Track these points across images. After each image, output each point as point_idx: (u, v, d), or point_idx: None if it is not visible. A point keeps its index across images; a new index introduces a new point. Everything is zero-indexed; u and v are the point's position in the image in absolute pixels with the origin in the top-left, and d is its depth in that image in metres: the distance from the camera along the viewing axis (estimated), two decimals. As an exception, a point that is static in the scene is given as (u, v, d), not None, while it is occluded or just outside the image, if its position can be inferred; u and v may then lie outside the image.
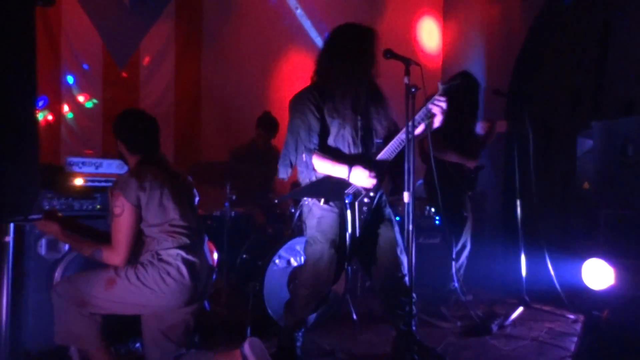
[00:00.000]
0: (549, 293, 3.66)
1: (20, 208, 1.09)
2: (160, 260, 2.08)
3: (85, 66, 4.06)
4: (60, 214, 2.21)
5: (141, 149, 2.21)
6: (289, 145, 2.43)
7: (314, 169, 2.40)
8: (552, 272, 3.59)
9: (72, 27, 3.98)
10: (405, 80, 2.31)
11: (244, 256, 3.33)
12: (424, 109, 2.38)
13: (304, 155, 2.38)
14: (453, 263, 3.46)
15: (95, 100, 3.98)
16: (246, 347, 2.12)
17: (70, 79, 3.99)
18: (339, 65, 2.42)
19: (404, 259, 2.57)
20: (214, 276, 2.37)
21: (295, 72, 4.98)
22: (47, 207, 2.65)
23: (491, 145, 5.25)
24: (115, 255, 2.04)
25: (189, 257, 2.12)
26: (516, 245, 3.64)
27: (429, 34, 6.14)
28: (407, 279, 2.57)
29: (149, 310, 2.13)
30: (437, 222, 3.99)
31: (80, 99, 4.01)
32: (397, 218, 4.63)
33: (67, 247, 2.53)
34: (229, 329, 2.99)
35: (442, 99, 2.37)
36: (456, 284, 3.45)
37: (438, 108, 2.36)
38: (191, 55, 4.52)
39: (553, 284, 3.59)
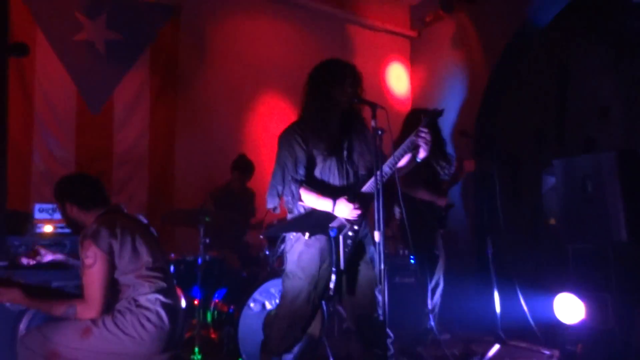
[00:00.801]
0: (523, 329, 3.69)
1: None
2: (139, 306, 2.05)
3: (58, 112, 4.06)
4: (18, 282, 2.14)
5: (96, 203, 2.21)
6: (277, 176, 2.46)
7: (300, 200, 2.43)
8: (525, 308, 3.64)
9: (45, 74, 4.01)
10: (373, 123, 2.39)
11: (218, 301, 3.28)
12: (407, 141, 2.46)
13: (292, 186, 2.41)
14: (429, 302, 3.48)
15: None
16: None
17: (42, 126, 3.98)
18: (315, 98, 2.52)
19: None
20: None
21: (269, 114, 5.09)
22: (17, 251, 2.60)
23: (462, 184, 5.45)
24: (90, 308, 1.99)
25: (168, 300, 2.10)
26: (489, 282, 3.70)
27: (398, 79, 6.40)
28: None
29: (126, 359, 2.05)
30: (412, 261, 4.03)
31: (53, 146, 3.98)
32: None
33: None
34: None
35: (426, 130, 2.46)
36: (432, 323, 3.46)
37: (422, 139, 2.45)
38: (166, 101, 4.58)
39: (527, 319, 3.64)
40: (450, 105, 5.81)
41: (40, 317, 2.44)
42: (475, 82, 5.57)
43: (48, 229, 2.63)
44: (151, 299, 2.06)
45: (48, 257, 2.36)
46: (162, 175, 4.50)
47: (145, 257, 2.12)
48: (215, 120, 4.81)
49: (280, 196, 2.46)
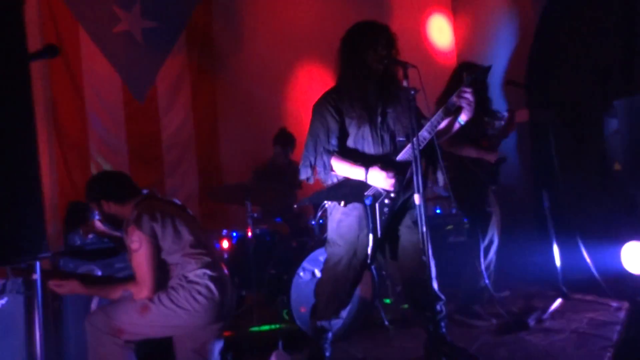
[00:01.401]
0: (588, 282, 3.53)
1: (27, 249, 1.18)
2: (189, 281, 2.17)
3: (107, 103, 4.28)
4: (75, 273, 2.32)
5: (130, 194, 2.31)
6: (309, 147, 2.47)
7: (332, 171, 2.43)
8: (588, 260, 3.48)
9: (91, 69, 4.21)
10: (404, 83, 2.32)
11: (272, 271, 3.39)
12: (449, 103, 2.37)
13: (323, 156, 2.41)
14: (482, 259, 3.39)
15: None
16: (273, 360, 2.18)
17: (94, 119, 4.21)
18: (348, 63, 2.47)
19: (431, 261, 2.53)
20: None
21: (308, 85, 5.06)
22: (78, 242, 2.82)
23: (517, 136, 5.18)
24: (143, 289, 2.13)
25: (214, 273, 2.21)
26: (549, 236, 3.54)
27: (440, 31, 6.10)
28: (434, 281, 2.56)
29: (183, 331, 2.21)
30: (464, 220, 3.94)
31: (105, 137, 4.22)
32: (438, 210, 4.63)
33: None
34: (261, 345, 3.04)
35: (468, 90, 2.35)
36: (487, 281, 3.38)
37: (465, 100, 2.35)
38: (205, 82, 4.69)
39: (591, 272, 3.47)
40: (499, 53, 5.48)
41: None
42: (525, 26, 5.20)
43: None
44: (199, 273, 2.17)
45: (98, 224, 2.52)
46: (209, 155, 4.65)
47: (187, 236, 2.22)
48: (255, 95, 4.85)
49: (312, 167, 2.46)
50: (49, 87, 4.10)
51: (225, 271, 2.39)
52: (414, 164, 2.23)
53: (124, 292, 2.15)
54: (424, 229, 2.26)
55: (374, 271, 3.26)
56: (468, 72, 2.42)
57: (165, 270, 2.22)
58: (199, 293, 2.15)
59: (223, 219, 4.29)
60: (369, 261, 2.45)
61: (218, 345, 2.28)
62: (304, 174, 2.49)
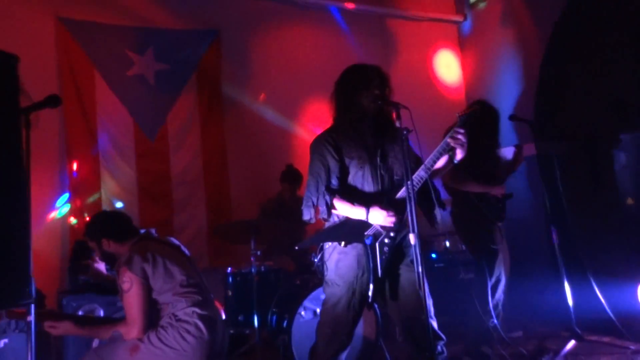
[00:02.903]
0: (603, 323, 3.40)
1: (12, 295, 1.22)
2: (178, 320, 2.18)
3: (118, 143, 4.43)
4: (68, 314, 2.36)
5: (129, 234, 2.37)
6: (311, 187, 2.48)
7: (334, 209, 2.44)
8: (601, 299, 3.36)
9: (105, 110, 4.39)
10: (397, 124, 2.35)
11: (274, 309, 3.37)
12: (443, 143, 2.40)
13: (325, 196, 2.42)
14: (489, 298, 3.31)
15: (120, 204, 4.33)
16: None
17: (106, 159, 4.36)
18: (344, 106, 2.52)
19: (429, 301, 2.50)
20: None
21: (316, 122, 5.14)
22: (82, 280, 2.88)
23: (526, 170, 5.12)
24: (133, 329, 2.15)
25: (204, 312, 2.22)
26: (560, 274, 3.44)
27: (448, 67, 6.17)
28: (434, 321, 2.52)
29: None
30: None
31: (117, 176, 4.35)
32: (434, 255, 4.57)
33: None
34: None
35: (461, 131, 2.39)
36: (495, 321, 3.28)
37: (457, 140, 2.38)
38: (215, 121, 4.81)
39: (606, 312, 3.34)
40: (507, 87, 5.49)
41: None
42: (531, 60, 5.22)
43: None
44: (188, 312, 2.19)
45: (100, 266, 2.58)
46: (218, 192, 4.72)
47: (179, 276, 2.25)
48: (263, 134, 4.95)
49: (315, 207, 2.46)
50: (64, 127, 4.27)
51: (219, 310, 2.40)
52: (408, 204, 2.23)
53: (114, 333, 2.17)
54: (420, 268, 2.23)
55: (378, 310, 3.21)
56: (460, 114, 2.45)
57: (157, 309, 2.25)
58: (188, 332, 2.15)
59: (230, 256, 4.31)
60: (369, 301, 2.42)
61: None
62: (307, 214, 2.49)
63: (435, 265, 4.45)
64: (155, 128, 4.53)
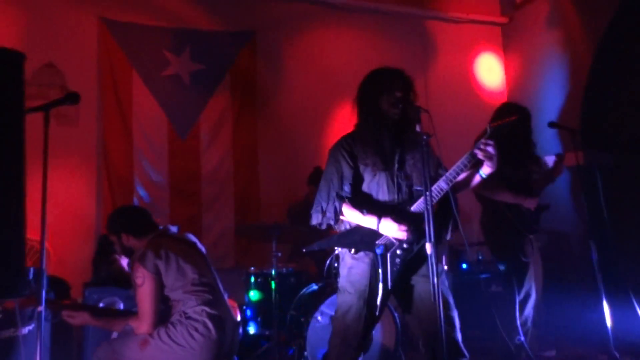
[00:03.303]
0: (644, 347, 3.16)
1: (8, 287, 1.26)
2: (188, 318, 2.20)
3: (152, 140, 4.55)
4: (85, 305, 2.42)
5: (148, 229, 2.40)
6: (322, 192, 2.44)
7: (342, 216, 2.38)
8: (643, 322, 3.11)
9: (140, 108, 4.53)
10: (417, 128, 2.26)
11: (293, 312, 3.34)
12: (468, 154, 2.28)
13: (335, 202, 2.37)
14: (517, 314, 3.14)
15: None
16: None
17: (140, 155, 4.49)
18: (363, 109, 2.46)
19: (454, 313, 2.39)
20: (240, 331, 2.43)
21: (347, 124, 5.06)
22: (105, 273, 2.97)
23: (570, 181, 4.84)
24: (143, 323, 2.19)
25: (213, 311, 2.22)
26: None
27: (490, 70, 5.94)
28: (458, 335, 2.39)
29: None
30: (500, 268, 3.69)
31: (150, 172, 4.48)
32: (464, 266, 4.40)
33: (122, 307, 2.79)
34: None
35: (490, 142, 2.25)
36: (522, 338, 3.11)
37: (486, 153, 2.25)
38: (247, 122, 4.86)
39: (646, 335, 3.10)
40: (552, 93, 5.22)
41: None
42: (579, 64, 4.93)
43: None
44: (198, 310, 2.20)
45: (124, 261, 2.64)
46: (247, 192, 4.76)
47: (191, 274, 2.26)
48: (295, 135, 4.95)
49: (324, 212, 2.41)
50: (102, 125, 4.44)
51: (232, 311, 2.39)
52: (426, 213, 2.14)
53: (126, 326, 2.21)
54: (435, 279, 2.13)
55: (397, 319, 3.12)
56: (490, 124, 2.32)
57: (168, 306, 2.27)
58: (196, 330, 2.16)
59: (255, 256, 4.33)
60: (377, 313, 2.35)
61: None
62: (315, 219, 2.44)
63: (466, 276, 4.28)
64: (188, 127, 4.63)
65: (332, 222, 2.40)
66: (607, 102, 4.80)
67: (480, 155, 2.26)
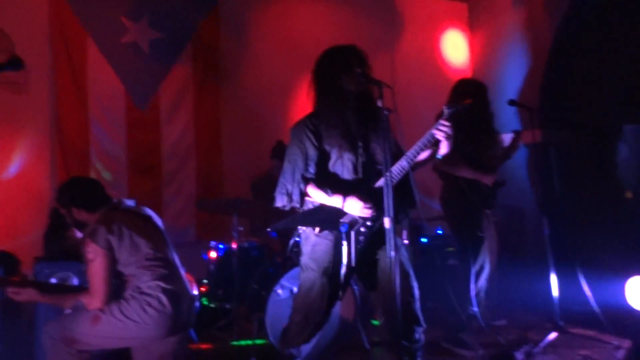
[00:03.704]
0: (588, 316, 3.34)
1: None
2: (142, 293, 2.16)
3: (109, 111, 4.38)
4: (32, 281, 2.34)
5: (98, 203, 2.32)
6: (287, 174, 2.41)
7: (308, 197, 2.38)
8: (588, 292, 3.28)
9: (96, 77, 4.33)
10: (379, 103, 2.26)
11: (254, 286, 3.36)
12: (428, 135, 2.33)
13: (300, 184, 2.36)
14: (472, 285, 3.26)
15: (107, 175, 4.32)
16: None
17: (96, 126, 4.32)
18: (323, 90, 2.42)
19: (414, 285, 2.45)
20: (197, 305, 2.42)
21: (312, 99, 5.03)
22: (59, 248, 2.88)
23: (528, 158, 5.00)
24: (94, 299, 2.13)
25: (168, 286, 2.19)
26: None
27: (455, 47, 5.97)
28: (417, 305, 2.47)
29: (135, 343, 2.20)
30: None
31: (106, 144, 4.32)
32: (424, 240, 4.51)
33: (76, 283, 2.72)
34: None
35: (447, 124, 2.31)
36: (475, 308, 3.24)
37: (442, 134, 2.30)
38: (209, 94, 4.73)
39: (590, 306, 3.28)
40: (514, 71, 5.32)
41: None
42: (540, 44, 5.03)
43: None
44: (152, 285, 2.16)
45: (79, 234, 2.55)
46: (209, 166, 4.67)
47: (145, 249, 2.21)
48: (259, 108, 4.85)
49: (289, 195, 2.39)
50: (55, 93, 4.23)
51: (188, 285, 2.37)
52: (385, 188, 2.16)
53: (77, 303, 2.15)
54: (392, 253, 2.17)
55: (356, 291, 3.18)
56: (448, 105, 2.35)
57: (122, 281, 2.23)
58: (149, 305, 2.13)
59: (217, 230, 4.29)
60: (340, 291, 2.39)
61: (175, 358, 2.25)
62: (280, 201, 2.42)
63: (425, 250, 4.39)
64: (147, 97, 4.47)
65: (297, 205, 2.38)
66: (565, 82, 4.94)
67: (438, 135, 2.30)
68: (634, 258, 3.51)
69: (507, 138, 3.72)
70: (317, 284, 2.38)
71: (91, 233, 2.16)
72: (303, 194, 2.36)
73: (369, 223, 2.33)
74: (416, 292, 2.41)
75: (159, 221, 2.45)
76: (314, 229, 2.37)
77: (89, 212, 2.31)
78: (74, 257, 2.72)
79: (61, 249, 2.84)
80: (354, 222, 2.32)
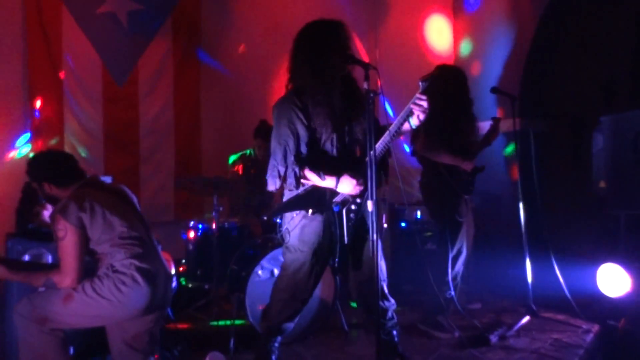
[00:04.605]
0: (560, 301, 3.44)
1: None
2: (115, 271, 2.11)
3: (85, 85, 4.23)
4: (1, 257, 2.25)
5: (73, 179, 2.24)
6: (277, 156, 2.35)
7: (302, 179, 2.34)
8: (560, 278, 3.38)
9: (72, 49, 4.17)
10: (365, 85, 2.23)
11: (234, 267, 3.33)
12: (406, 109, 2.34)
13: (295, 167, 2.31)
14: (449, 270, 3.31)
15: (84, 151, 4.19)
16: (207, 362, 2.15)
17: (71, 100, 4.17)
18: (310, 66, 2.35)
19: (383, 265, 2.53)
20: (175, 284, 2.38)
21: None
22: (29, 226, 2.78)
23: (505, 145, 5.06)
24: (66, 277, 2.07)
25: (143, 264, 2.14)
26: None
27: (439, 33, 5.95)
28: (385, 284, 2.56)
29: (109, 321, 2.17)
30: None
31: (82, 119, 4.18)
32: (403, 224, 4.55)
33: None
34: (214, 341, 3.00)
35: (423, 97, 2.30)
36: (452, 292, 3.29)
37: (418, 107, 2.31)
38: (189, 70, 4.62)
39: (563, 291, 3.38)
40: (496, 60, 5.34)
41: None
42: (522, 34, 5.05)
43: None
44: (126, 263, 2.11)
45: (46, 214, 2.45)
46: (188, 143, 4.59)
47: (118, 227, 2.15)
48: (240, 86, 4.77)
49: (281, 177, 2.34)
50: (27, 64, 4.05)
51: (165, 263, 2.32)
52: (369, 171, 2.15)
53: (47, 280, 2.09)
54: (374, 236, 2.18)
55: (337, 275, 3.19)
56: (422, 79, 2.36)
57: (95, 259, 2.17)
58: (123, 283, 2.09)
59: (196, 209, 4.23)
60: (336, 268, 2.42)
61: (151, 336, 2.22)
62: (272, 184, 2.38)
63: (404, 233, 4.43)
64: (125, 72, 4.33)
65: (293, 188, 2.34)
66: (546, 71, 4.99)
67: (415, 110, 2.32)
68: (605, 246, 3.61)
69: (486, 125, 3.75)
70: (307, 264, 2.40)
71: (61, 209, 2.08)
72: (297, 177, 2.32)
73: (358, 200, 2.36)
74: (384, 270, 2.53)
75: (134, 198, 2.38)
76: (306, 211, 2.35)
77: (60, 187, 2.22)
78: (43, 236, 2.62)
79: (32, 226, 2.74)
80: (345, 201, 2.35)
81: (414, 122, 2.37)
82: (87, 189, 2.20)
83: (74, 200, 2.11)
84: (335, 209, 2.32)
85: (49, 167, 2.23)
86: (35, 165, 2.25)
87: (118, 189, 2.35)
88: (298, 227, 2.39)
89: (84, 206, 2.10)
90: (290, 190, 2.39)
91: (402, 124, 2.36)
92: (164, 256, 2.36)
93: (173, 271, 2.41)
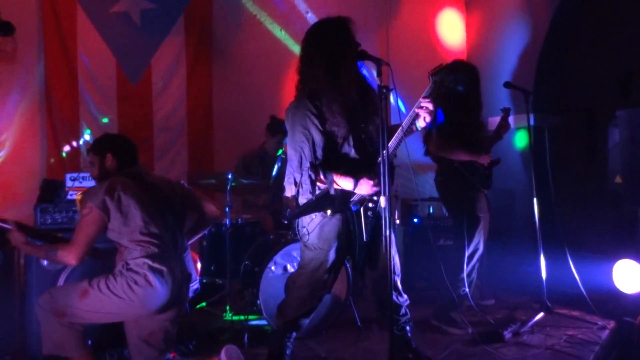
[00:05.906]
0: (575, 297, 3.41)
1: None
2: (129, 269, 2.15)
3: (100, 83, 4.28)
4: (24, 226, 2.30)
5: (130, 160, 2.35)
6: (294, 164, 2.36)
7: (317, 183, 2.34)
8: (575, 274, 3.35)
9: (86, 48, 4.22)
10: (378, 81, 2.23)
11: (247, 262, 3.36)
12: (411, 112, 2.35)
13: (310, 172, 2.32)
14: (464, 266, 3.29)
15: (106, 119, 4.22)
16: (222, 355, 2.18)
17: (86, 98, 4.23)
18: (324, 65, 2.33)
19: (397, 259, 2.54)
20: (196, 285, 2.42)
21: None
22: (48, 220, 2.84)
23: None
24: (71, 251, 2.11)
25: (156, 265, 2.16)
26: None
27: (451, 27, 5.90)
28: (399, 279, 2.58)
29: (123, 318, 2.22)
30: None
31: (97, 117, 4.25)
32: (416, 220, 4.54)
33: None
34: (228, 336, 3.03)
35: (427, 100, 2.32)
36: (466, 289, 3.28)
37: (423, 110, 2.31)
38: (202, 68, 4.65)
39: (578, 287, 3.34)
40: (510, 54, 5.28)
41: (75, 276, 2.60)
42: (536, 28, 4.99)
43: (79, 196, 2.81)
44: (139, 262, 2.14)
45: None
46: (201, 140, 4.63)
47: (139, 222, 2.18)
48: (252, 82, 4.79)
49: (298, 184, 2.35)
50: (43, 64, 4.12)
51: (184, 264, 2.34)
52: (382, 167, 2.16)
53: (49, 252, 2.14)
54: (387, 232, 2.18)
55: (349, 269, 3.20)
56: (431, 72, 2.37)
57: (115, 253, 2.22)
58: (136, 283, 2.12)
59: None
60: (358, 266, 2.47)
61: (166, 334, 2.26)
62: (289, 191, 2.40)
63: (417, 229, 4.42)
64: (139, 70, 4.38)
65: (310, 194, 2.33)
66: (560, 66, 4.93)
67: (421, 112, 2.32)
68: (622, 242, 3.57)
69: (497, 121, 3.72)
70: (326, 264, 2.42)
71: (92, 191, 2.19)
72: (314, 182, 2.32)
73: (375, 198, 2.36)
74: (397, 265, 2.56)
75: (176, 196, 2.42)
76: (325, 212, 2.36)
77: (118, 162, 2.31)
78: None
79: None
80: (362, 200, 2.37)
81: (420, 124, 2.36)
82: (123, 178, 2.26)
83: (107, 185, 2.18)
84: (354, 208, 2.35)
85: (118, 142, 2.37)
86: (107, 139, 2.40)
87: (156, 185, 2.38)
88: (317, 227, 2.40)
89: (112, 193, 2.16)
90: (306, 196, 2.38)
91: (409, 127, 2.37)
92: (193, 257, 2.41)
93: (198, 272, 2.45)
